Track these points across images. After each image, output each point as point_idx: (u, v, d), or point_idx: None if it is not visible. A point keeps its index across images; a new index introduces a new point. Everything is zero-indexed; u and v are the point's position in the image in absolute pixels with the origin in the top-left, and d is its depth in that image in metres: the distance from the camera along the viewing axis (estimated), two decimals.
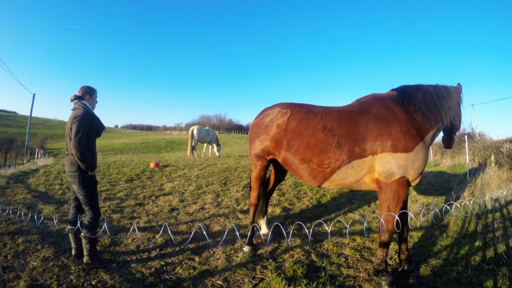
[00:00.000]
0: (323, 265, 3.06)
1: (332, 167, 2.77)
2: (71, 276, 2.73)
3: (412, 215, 4.00)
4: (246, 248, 3.32)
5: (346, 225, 2.76)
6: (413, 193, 6.40)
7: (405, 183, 2.61)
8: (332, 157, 2.75)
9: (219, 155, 13.94)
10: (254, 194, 3.49)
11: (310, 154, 2.86)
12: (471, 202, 3.62)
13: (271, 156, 3.31)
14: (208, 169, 8.55)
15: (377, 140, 2.64)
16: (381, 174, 2.63)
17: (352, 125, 2.78)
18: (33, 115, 24.47)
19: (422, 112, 2.74)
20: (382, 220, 2.62)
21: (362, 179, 2.77)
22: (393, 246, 3.54)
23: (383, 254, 2.69)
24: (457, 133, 3.21)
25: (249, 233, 3.36)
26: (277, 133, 3.12)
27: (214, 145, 14.18)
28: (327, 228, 2.79)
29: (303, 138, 2.91)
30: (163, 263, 3.04)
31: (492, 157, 8.50)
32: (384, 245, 2.68)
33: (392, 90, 3.01)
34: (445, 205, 3.54)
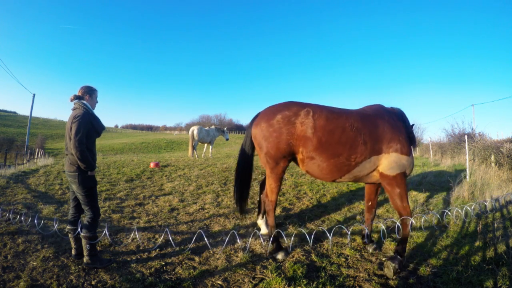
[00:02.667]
0: (323, 265, 3.06)
1: (357, 161, 3.17)
2: (71, 276, 2.73)
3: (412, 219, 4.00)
4: (280, 256, 3.22)
5: (347, 230, 2.76)
6: (413, 193, 6.39)
7: (404, 175, 3.27)
8: (359, 152, 3.15)
9: (227, 139, 14.13)
10: (274, 197, 3.39)
11: (341, 149, 3.16)
12: (472, 207, 3.72)
13: (290, 155, 3.30)
14: (208, 169, 8.55)
15: (390, 142, 3.20)
16: (388, 169, 3.20)
17: (373, 126, 3.25)
18: (33, 115, 24.47)
19: (410, 134, 3.47)
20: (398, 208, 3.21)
21: (372, 172, 3.28)
22: (393, 246, 3.55)
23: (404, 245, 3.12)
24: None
25: (272, 239, 3.20)
26: (303, 131, 3.17)
27: (222, 136, 14.17)
28: (328, 234, 2.79)
29: (335, 135, 3.17)
30: (163, 263, 3.04)
31: (492, 157, 8.51)
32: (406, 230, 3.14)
33: (392, 108, 3.63)
34: (446, 211, 3.59)
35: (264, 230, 3.75)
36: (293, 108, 3.30)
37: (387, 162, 3.17)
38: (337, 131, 3.17)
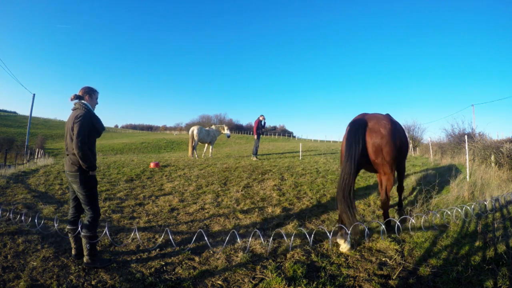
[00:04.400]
0: (323, 265, 3.05)
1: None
2: (71, 276, 2.73)
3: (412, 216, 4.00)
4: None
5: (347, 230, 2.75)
6: (413, 193, 6.39)
7: None
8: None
9: (228, 136, 13.90)
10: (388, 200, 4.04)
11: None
12: (472, 207, 3.77)
13: None
14: (208, 169, 8.55)
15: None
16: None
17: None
18: (33, 115, 24.48)
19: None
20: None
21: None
22: (393, 246, 3.54)
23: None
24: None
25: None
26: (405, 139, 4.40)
27: (224, 132, 13.98)
28: (327, 232, 2.79)
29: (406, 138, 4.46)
30: (163, 263, 3.04)
31: (492, 157, 8.51)
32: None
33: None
34: (446, 211, 3.60)
35: (346, 247, 3.39)
36: (396, 122, 4.26)
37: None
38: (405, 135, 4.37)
